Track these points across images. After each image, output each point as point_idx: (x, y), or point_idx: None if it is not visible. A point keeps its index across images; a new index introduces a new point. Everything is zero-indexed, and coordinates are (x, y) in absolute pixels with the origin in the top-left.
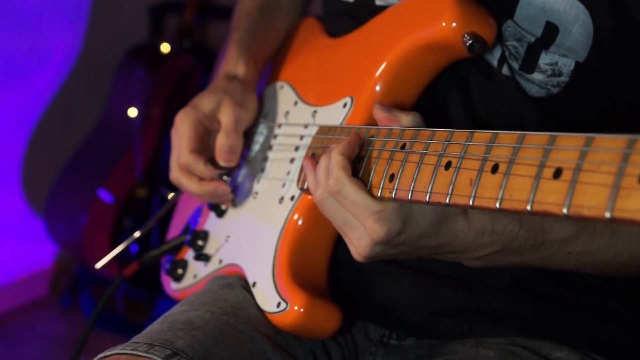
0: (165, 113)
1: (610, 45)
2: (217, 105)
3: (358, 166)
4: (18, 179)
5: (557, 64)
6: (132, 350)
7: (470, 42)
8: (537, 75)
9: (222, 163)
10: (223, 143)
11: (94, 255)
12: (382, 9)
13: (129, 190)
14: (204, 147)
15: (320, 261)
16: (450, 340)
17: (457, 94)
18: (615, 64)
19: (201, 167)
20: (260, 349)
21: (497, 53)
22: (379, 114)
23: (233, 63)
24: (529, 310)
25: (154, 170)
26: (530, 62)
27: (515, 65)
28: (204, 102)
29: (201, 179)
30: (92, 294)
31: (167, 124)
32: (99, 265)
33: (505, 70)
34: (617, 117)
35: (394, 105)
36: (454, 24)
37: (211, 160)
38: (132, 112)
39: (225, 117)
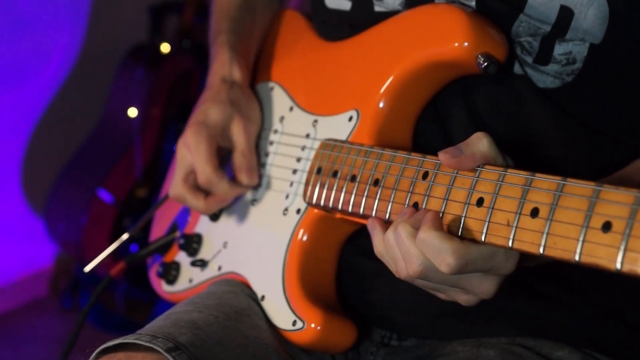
0: (165, 113)
1: (626, 24)
2: (228, 121)
3: None
4: (18, 179)
5: (571, 52)
6: (135, 339)
7: (485, 64)
8: (552, 67)
9: (244, 182)
10: (242, 163)
11: (94, 255)
12: (382, 15)
13: (129, 190)
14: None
15: (329, 273)
16: (451, 340)
17: (460, 99)
18: (630, 42)
19: (225, 185)
20: (264, 353)
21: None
22: (449, 161)
23: (227, 67)
24: (530, 310)
25: (154, 170)
26: (544, 55)
27: (529, 60)
28: (213, 116)
29: (207, 196)
30: (92, 294)
31: (167, 124)
32: (87, 268)
33: (516, 68)
34: (629, 104)
35: (400, 116)
36: (466, 44)
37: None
38: (132, 112)
39: (239, 136)
